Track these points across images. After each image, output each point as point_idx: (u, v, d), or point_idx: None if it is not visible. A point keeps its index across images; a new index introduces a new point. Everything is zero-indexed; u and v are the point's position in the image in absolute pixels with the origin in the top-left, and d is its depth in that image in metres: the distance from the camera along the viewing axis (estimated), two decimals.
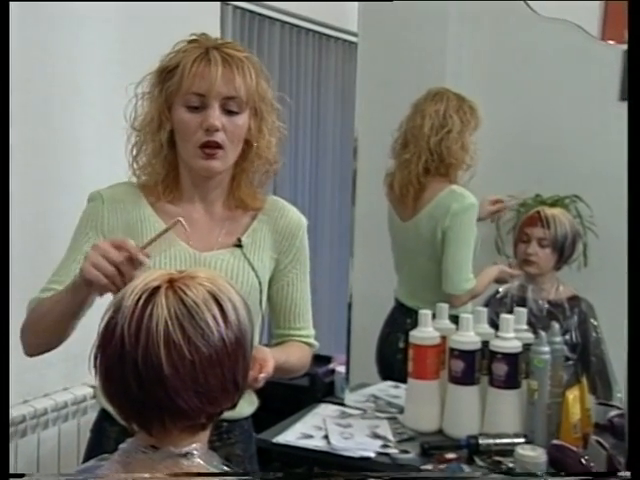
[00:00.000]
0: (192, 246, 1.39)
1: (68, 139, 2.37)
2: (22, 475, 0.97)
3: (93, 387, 2.43)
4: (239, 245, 1.41)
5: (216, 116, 1.33)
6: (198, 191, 1.41)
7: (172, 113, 1.36)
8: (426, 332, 1.94)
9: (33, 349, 1.35)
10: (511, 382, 1.86)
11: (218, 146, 1.34)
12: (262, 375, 1.23)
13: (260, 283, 1.41)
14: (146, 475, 0.93)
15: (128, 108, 1.39)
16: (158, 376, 0.91)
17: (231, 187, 1.43)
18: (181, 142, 1.37)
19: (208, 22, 2.76)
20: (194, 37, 1.38)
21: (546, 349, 1.83)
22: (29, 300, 1.37)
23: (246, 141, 1.39)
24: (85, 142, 2.41)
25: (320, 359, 2.42)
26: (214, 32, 2.72)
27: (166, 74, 1.36)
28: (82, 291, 1.22)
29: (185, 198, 1.42)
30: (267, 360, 1.25)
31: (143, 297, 0.93)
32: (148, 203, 1.41)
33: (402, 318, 2.29)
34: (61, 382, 2.40)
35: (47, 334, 1.31)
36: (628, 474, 0.94)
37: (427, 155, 2.20)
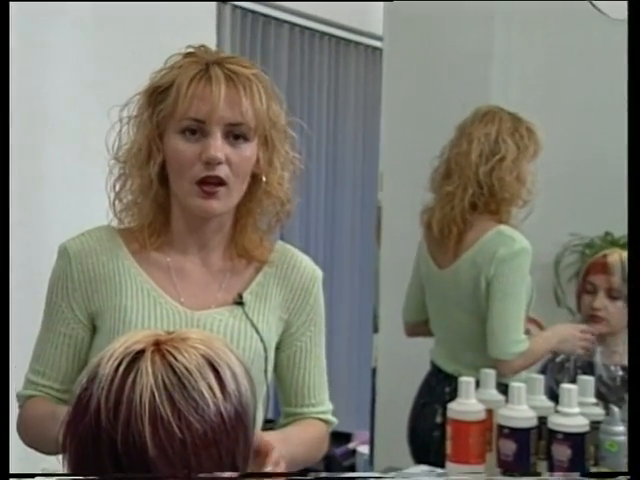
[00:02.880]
0: (184, 304, 1.40)
1: (31, 168, 2.42)
2: (22, 475, 0.99)
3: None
4: (240, 302, 1.42)
5: (218, 146, 1.33)
6: (194, 237, 1.42)
7: (164, 142, 1.36)
8: (468, 405, 1.94)
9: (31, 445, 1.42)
10: (576, 470, 1.85)
11: (220, 182, 1.34)
12: (268, 469, 1.22)
13: (265, 349, 1.41)
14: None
15: (111, 134, 1.39)
16: (141, 459, 0.92)
17: (234, 232, 1.43)
18: (175, 177, 1.37)
19: (203, 25, 2.82)
20: (190, 50, 1.39)
21: (620, 429, 1.82)
22: (16, 394, 1.41)
23: (253, 176, 1.39)
24: (52, 173, 2.46)
25: (338, 437, 2.43)
26: (210, 37, 2.80)
27: (157, 95, 1.36)
28: None
29: (177, 245, 1.42)
30: (268, 445, 1.23)
31: (124, 363, 0.94)
32: (129, 252, 1.41)
33: (440, 386, 2.29)
34: (15, 468, 2.40)
35: (46, 449, 1.35)
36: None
37: (474, 188, 2.20)
